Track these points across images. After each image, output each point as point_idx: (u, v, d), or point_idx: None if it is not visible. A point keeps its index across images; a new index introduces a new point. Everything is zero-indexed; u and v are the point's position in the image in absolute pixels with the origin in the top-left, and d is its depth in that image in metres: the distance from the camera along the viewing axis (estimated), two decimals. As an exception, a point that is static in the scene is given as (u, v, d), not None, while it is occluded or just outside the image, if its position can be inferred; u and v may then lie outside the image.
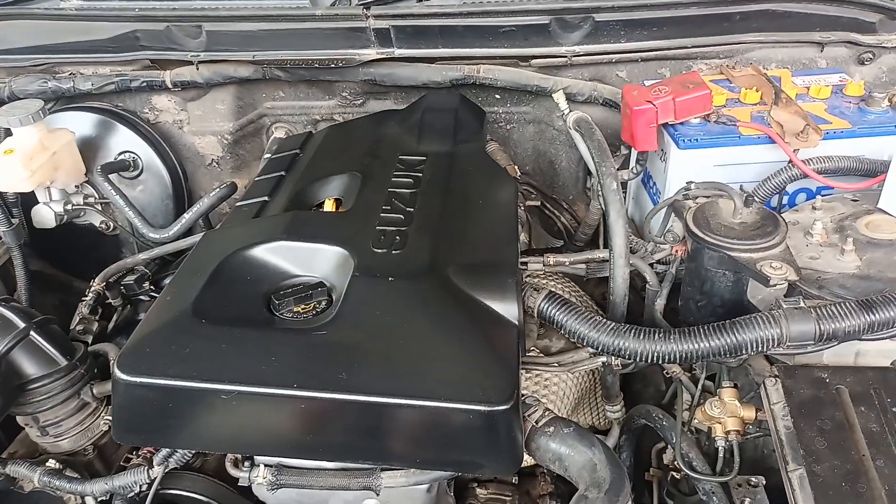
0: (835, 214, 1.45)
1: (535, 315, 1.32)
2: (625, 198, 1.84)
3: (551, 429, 1.20)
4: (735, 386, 1.29)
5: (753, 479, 1.27)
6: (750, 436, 1.31)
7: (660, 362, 1.21)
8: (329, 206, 1.57)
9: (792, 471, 1.09)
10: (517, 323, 1.24)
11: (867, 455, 1.05)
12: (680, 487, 1.34)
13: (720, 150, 1.54)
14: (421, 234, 1.37)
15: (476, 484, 1.52)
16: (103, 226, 2.00)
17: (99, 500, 1.28)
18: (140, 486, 1.21)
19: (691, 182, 1.47)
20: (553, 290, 1.35)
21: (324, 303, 1.27)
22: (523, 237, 1.69)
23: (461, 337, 1.17)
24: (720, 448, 1.24)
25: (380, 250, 1.32)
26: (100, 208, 1.99)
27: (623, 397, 1.66)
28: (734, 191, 1.35)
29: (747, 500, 1.24)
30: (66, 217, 1.91)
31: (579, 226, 2.12)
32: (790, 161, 1.51)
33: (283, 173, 1.69)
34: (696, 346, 1.17)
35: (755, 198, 1.42)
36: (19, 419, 1.36)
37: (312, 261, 1.34)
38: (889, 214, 1.41)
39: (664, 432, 1.31)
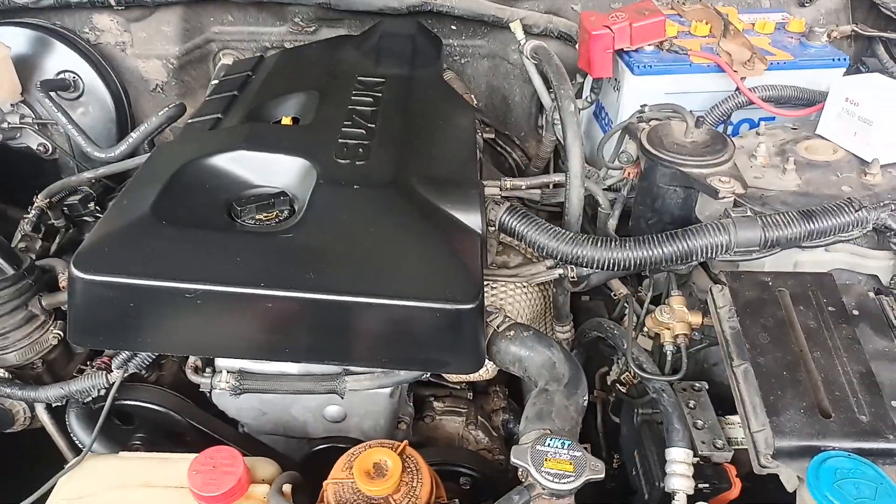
0: (776, 140, 1.53)
1: (497, 227, 1.35)
2: (578, 126, 1.88)
3: (511, 332, 1.24)
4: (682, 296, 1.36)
5: (697, 385, 1.36)
6: (693, 348, 1.39)
7: (615, 269, 1.26)
8: (286, 123, 1.55)
9: (737, 366, 1.16)
10: (479, 232, 1.26)
11: (805, 349, 1.13)
12: (630, 392, 1.41)
13: (672, 78, 1.60)
14: (384, 148, 1.38)
15: (433, 398, 1.56)
16: (41, 148, 1.91)
17: (53, 406, 1.24)
18: (98, 391, 1.19)
19: (644, 105, 1.51)
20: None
21: (286, 212, 1.26)
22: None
23: (427, 241, 1.19)
24: (668, 352, 1.31)
25: (343, 161, 1.32)
26: (37, 129, 1.89)
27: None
28: (687, 111, 1.41)
29: (692, 401, 1.32)
30: (1, 136, 1.81)
31: (530, 162, 2.17)
32: (737, 89, 1.57)
33: (235, 93, 1.65)
34: (651, 252, 1.23)
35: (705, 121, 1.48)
36: (-38, 330, 1.30)
37: (273, 171, 1.33)
38: (826, 139, 1.49)
39: (615, 340, 1.37)
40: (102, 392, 1.19)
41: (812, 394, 1.07)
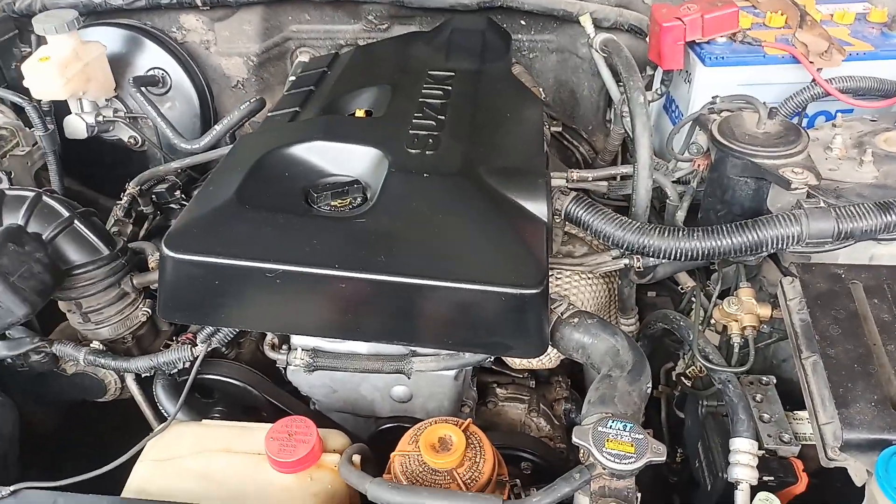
0: (853, 132, 1.49)
1: (563, 216, 1.37)
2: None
3: (575, 320, 1.26)
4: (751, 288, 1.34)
5: (765, 378, 1.34)
6: (762, 343, 1.38)
7: (682, 259, 1.26)
8: (360, 115, 1.61)
9: (805, 358, 1.15)
10: (545, 220, 1.29)
11: (878, 342, 1.11)
12: (695, 385, 1.40)
13: (745, 69, 1.58)
14: (453, 139, 1.42)
15: (496, 384, 1.59)
16: (131, 140, 2.04)
17: (143, 377, 1.34)
18: (183, 363, 1.27)
19: (716, 96, 1.50)
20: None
21: (359, 199, 1.31)
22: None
23: (494, 228, 1.22)
24: (735, 344, 1.30)
25: (414, 151, 1.37)
26: (129, 122, 2.02)
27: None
28: (758, 101, 1.39)
29: (759, 395, 1.30)
30: (96, 129, 1.94)
31: (597, 156, 2.17)
32: (813, 80, 1.54)
33: (311, 88, 1.73)
34: (719, 242, 1.23)
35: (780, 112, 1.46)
36: (62, 305, 1.41)
37: (348, 161, 1.38)
38: (907, 132, 1.45)
39: (681, 332, 1.36)
40: (187, 364, 1.27)
41: (884, 387, 1.05)
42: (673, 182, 1.64)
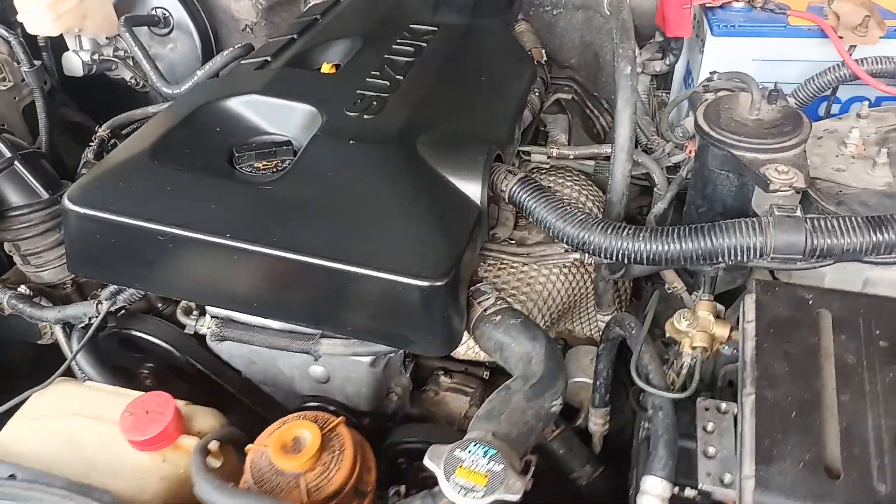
0: (883, 125, 1.24)
1: (507, 199, 1.22)
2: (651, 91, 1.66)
3: (498, 318, 1.13)
4: (714, 300, 1.15)
5: (724, 406, 1.15)
6: (726, 364, 1.19)
7: (625, 261, 1.09)
8: (326, 70, 1.49)
9: (747, 395, 0.97)
10: (478, 203, 1.15)
11: (831, 389, 0.92)
12: (641, 403, 1.24)
13: (761, 41, 1.34)
14: (401, 102, 1.28)
15: (442, 371, 1.48)
16: (133, 80, 2.01)
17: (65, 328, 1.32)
18: (88, 318, 1.24)
19: (713, 72, 1.28)
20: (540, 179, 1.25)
21: (287, 162, 1.21)
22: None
23: (411, 208, 1.10)
24: (684, 364, 1.12)
25: (352, 113, 1.24)
26: (131, 63, 1.99)
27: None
28: (753, 81, 1.17)
29: (710, 424, 1.13)
30: (94, 67, 1.93)
31: (619, 128, 1.96)
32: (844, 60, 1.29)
33: (293, 37, 1.62)
34: (666, 247, 1.05)
35: (791, 98, 1.23)
36: (5, 245, 1.41)
37: (286, 119, 1.29)
38: (948, 130, 1.19)
39: (631, 342, 1.20)
40: (93, 320, 1.23)
41: (820, 445, 0.86)
42: (669, 167, 1.45)
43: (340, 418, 0.99)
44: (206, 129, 1.27)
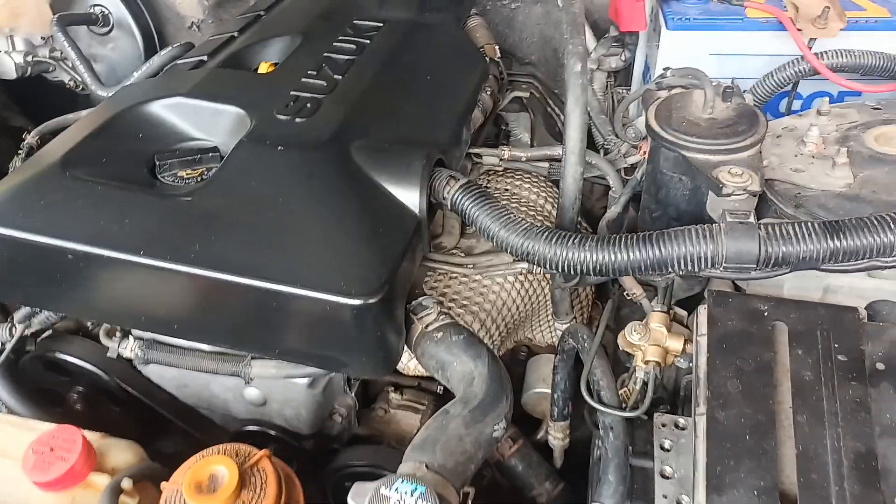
0: (843, 122, 1.18)
1: (449, 206, 1.14)
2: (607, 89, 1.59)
3: (439, 334, 1.05)
4: (668, 311, 1.09)
5: (682, 421, 1.09)
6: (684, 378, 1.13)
7: (571, 272, 1.02)
8: (264, 69, 1.41)
9: (700, 414, 0.91)
10: (417, 212, 1.07)
11: (787, 408, 0.85)
12: (594, 420, 1.18)
13: (717, 35, 1.28)
14: (337, 104, 1.20)
15: (392, 388, 1.40)
16: (72, 83, 1.91)
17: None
18: (2, 342, 1.15)
19: (667, 69, 1.22)
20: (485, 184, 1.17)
21: (213, 170, 1.13)
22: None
23: (341, 219, 1.02)
24: (637, 379, 1.06)
25: (283, 116, 1.16)
26: (69, 65, 1.89)
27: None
28: (706, 78, 1.10)
29: (667, 441, 1.06)
30: (29, 69, 1.82)
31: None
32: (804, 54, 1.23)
33: (234, 34, 1.53)
34: (614, 257, 0.98)
35: (750, 94, 1.17)
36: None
37: (213, 124, 1.20)
38: (911, 126, 1.13)
39: (584, 355, 1.13)
40: (7, 344, 1.15)
41: (776, 471, 0.80)
42: (626, 168, 1.38)
43: (263, 452, 0.91)
44: (127, 135, 1.18)
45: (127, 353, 1.14)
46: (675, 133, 1.08)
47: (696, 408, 0.92)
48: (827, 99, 1.19)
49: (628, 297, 1.40)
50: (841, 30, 1.21)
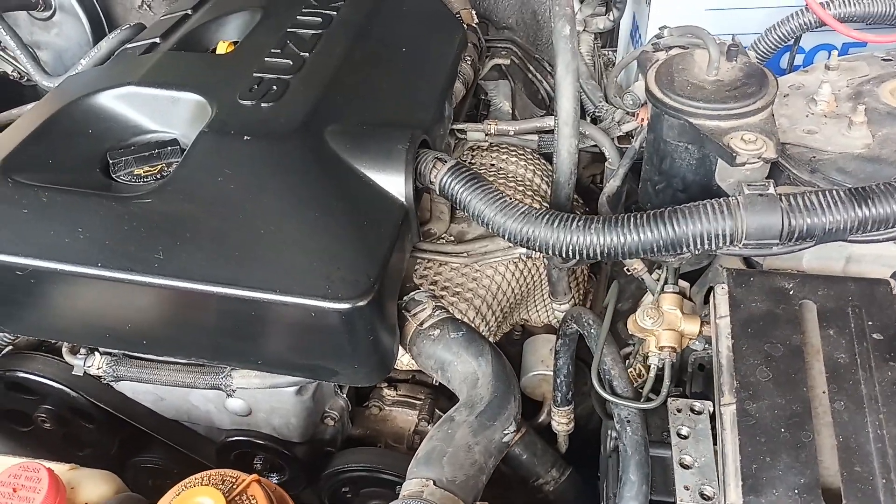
0: (854, 77, 1.10)
1: (438, 191, 1.05)
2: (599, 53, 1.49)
3: (437, 332, 0.97)
4: (680, 292, 1.01)
5: (698, 405, 1.02)
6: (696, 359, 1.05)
7: (576, 256, 0.93)
8: (222, 50, 1.29)
9: (725, 405, 0.84)
10: (403, 200, 0.98)
11: (824, 393, 0.78)
12: (607, 409, 1.11)
13: (714, -12, 1.18)
14: (306, 85, 1.09)
15: (386, 383, 1.32)
16: (15, 74, 1.77)
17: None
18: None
19: (664, 27, 1.12)
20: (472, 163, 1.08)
21: (174, 165, 1.02)
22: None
23: (321, 215, 0.92)
24: (651, 366, 0.99)
25: (247, 102, 1.05)
26: (11, 55, 1.74)
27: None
28: (709, 36, 1.01)
29: (685, 428, 0.99)
30: (-35, 62, 1.68)
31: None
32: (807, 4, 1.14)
33: (188, 12, 1.40)
34: (623, 238, 0.89)
35: (751, 51, 1.08)
36: None
37: (170, 113, 1.09)
38: (928, 77, 1.05)
39: (590, 341, 1.06)
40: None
41: (816, 465, 0.73)
42: (620, 136, 1.29)
43: (252, 477, 0.82)
44: (75, 132, 1.07)
45: (94, 371, 1.04)
46: (680, 98, 0.99)
47: (721, 397, 0.85)
48: (835, 52, 1.10)
49: (628, 273, 1.33)
50: (846, -24, 1.13)
